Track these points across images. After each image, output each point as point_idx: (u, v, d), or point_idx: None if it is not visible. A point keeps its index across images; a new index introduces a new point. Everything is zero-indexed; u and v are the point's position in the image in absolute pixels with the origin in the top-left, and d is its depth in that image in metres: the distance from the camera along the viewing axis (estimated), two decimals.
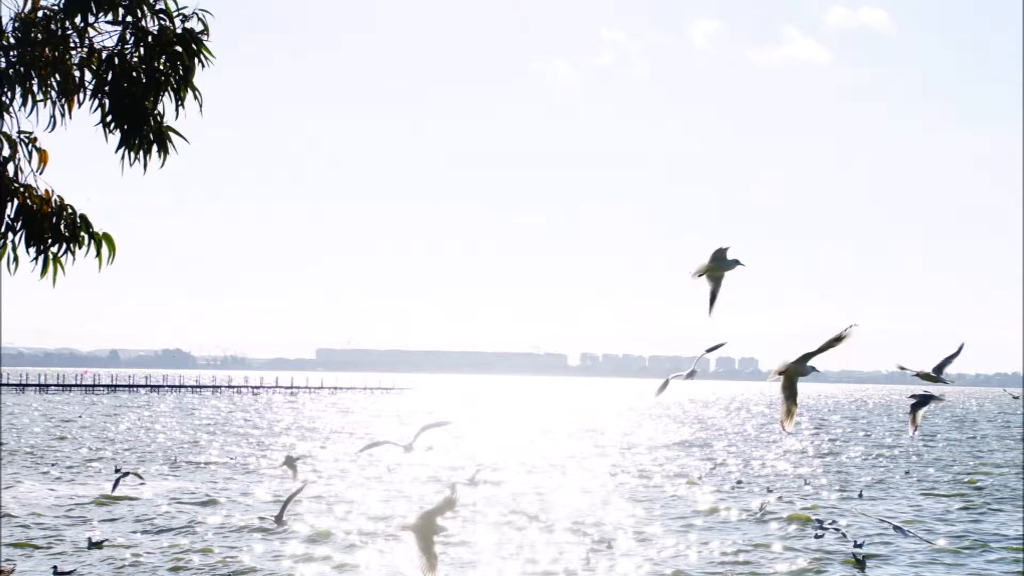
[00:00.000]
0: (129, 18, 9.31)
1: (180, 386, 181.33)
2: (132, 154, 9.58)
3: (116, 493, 39.35)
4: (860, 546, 32.60)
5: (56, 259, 9.41)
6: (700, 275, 9.21)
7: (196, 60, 9.50)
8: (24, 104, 9.28)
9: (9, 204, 9.28)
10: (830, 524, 34.50)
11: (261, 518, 35.97)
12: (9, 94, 9.25)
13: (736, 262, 9.10)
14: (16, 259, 9.49)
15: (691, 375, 12.71)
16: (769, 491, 48.32)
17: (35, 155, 9.44)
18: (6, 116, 9.33)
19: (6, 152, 9.35)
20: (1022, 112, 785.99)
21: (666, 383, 13.42)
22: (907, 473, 58.86)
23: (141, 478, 37.31)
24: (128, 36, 9.33)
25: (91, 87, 9.36)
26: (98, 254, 9.52)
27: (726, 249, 9.19)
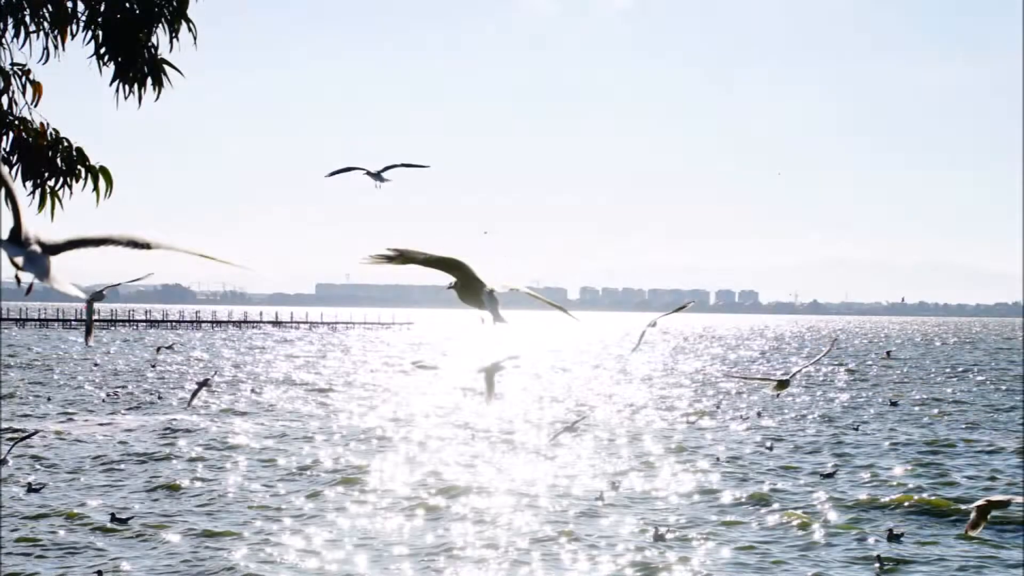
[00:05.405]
0: None
1: (179, 321, 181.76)
2: (127, 87, 9.47)
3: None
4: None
5: (53, 193, 9.33)
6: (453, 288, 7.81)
7: None
8: (16, 36, 9.15)
9: (4, 137, 9.20)
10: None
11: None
12: (1, 25, 9.12)
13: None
14: None
15: (654, 324, 13.39)
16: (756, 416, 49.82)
17: (29, 88, 9.33)
18: None
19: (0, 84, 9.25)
20: None
21: (642, 335, 13.78)
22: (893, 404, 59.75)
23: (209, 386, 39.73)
24: None
25: (84, 19, 9.22)
26: (95, 188, 9.41)
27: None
